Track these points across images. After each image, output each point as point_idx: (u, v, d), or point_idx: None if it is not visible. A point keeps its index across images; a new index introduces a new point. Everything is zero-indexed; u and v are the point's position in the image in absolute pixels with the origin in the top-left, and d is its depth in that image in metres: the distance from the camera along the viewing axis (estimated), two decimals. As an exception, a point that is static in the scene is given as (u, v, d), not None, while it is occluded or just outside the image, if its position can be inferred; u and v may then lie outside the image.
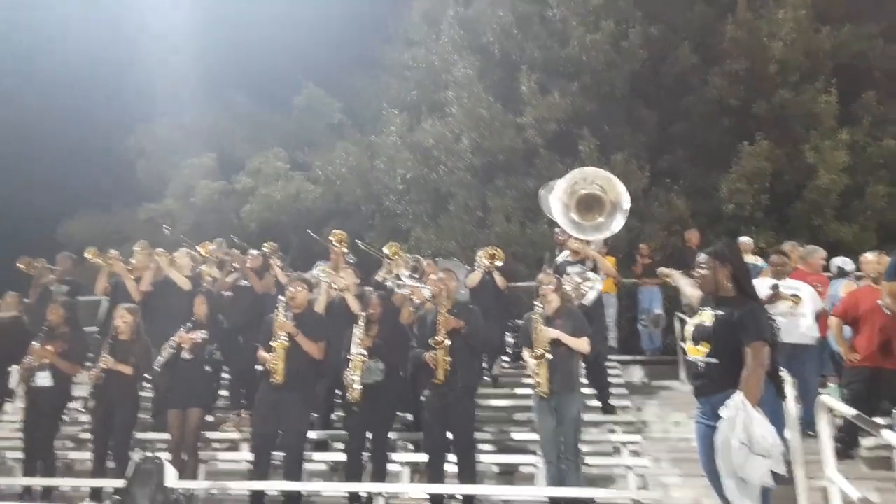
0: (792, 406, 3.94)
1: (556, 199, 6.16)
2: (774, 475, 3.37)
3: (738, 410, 3.34)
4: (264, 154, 17.13)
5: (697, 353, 3.72)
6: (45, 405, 6.24)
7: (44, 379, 6.24)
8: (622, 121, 13.99)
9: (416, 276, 6.59)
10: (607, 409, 6.92)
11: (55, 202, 18.71)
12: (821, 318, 6.39)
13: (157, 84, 18.37)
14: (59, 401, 6.33)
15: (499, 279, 7.49)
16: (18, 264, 8.59)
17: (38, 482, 6.01)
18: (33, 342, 6.35)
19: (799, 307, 6.10)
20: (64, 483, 6.08)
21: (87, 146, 19.70)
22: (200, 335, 6.24)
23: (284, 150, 17.43)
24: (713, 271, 3.74)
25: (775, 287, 6.17)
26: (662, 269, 4.79)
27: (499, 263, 7.37)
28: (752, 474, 3.31)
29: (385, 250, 7.27)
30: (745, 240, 9.05)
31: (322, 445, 6.58)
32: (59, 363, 6.23)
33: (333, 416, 6.94)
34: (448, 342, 5.40)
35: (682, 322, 8.46)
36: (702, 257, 3.85)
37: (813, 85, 12.54)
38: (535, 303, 5.50)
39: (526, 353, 5.40)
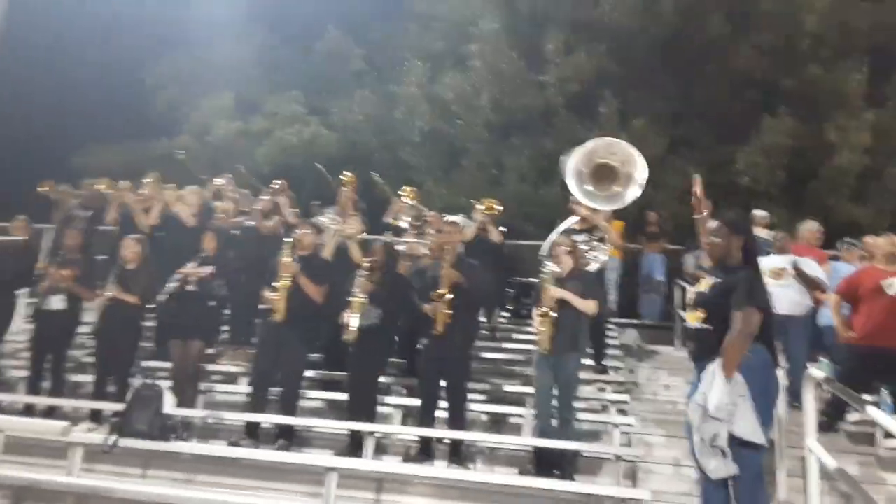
0: (781, 375, 3.98)
1: (574, 165, 6.11)
2: (746, 443, 3.42)
3: (709, 374, 3.43)
4: (282, 96, 17.03)
5: (694, 319, 3.78)
6: (57, 328, 6.42)
7: (57, 302, 6.43)
8: (645, 86, 13.72)
9: (417, 223, 6.62)
10: (600, 368, 6.99)
11: (69, 132, 18.72)
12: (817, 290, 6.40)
13: (178, 16, 18.18)
14: (71, 324, 6.52)
15: (494, 233, 7.42)
16: (41, 188, 8.68)
17: (41, 401, 6.20)
18: (50, 266, 6.52)
19: (784, 279, 6.07)
20: (66, 403, 6.25)
21: (105, 77, 19.62)
22: (208, 270, 6.34)
23: (303, 94, 17.31)
24: (726, 239, 3.75)
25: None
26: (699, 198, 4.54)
27: (490, 213, 7.26)
28: (706, 435, 3.44)
29: (401, 193, 7.32)
30: (761, 213, 8.96)
31: (325, 384, 6.66)
32: (74, 288, 6.38)
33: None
34: (449, 296, 5.46)
35: (683, 290, 8.48)
36: (714, 225, 3.86)
37: (845, 62, 12.22)
38: (548, 262, 5.53)
39: (535, 311, 5.46)
